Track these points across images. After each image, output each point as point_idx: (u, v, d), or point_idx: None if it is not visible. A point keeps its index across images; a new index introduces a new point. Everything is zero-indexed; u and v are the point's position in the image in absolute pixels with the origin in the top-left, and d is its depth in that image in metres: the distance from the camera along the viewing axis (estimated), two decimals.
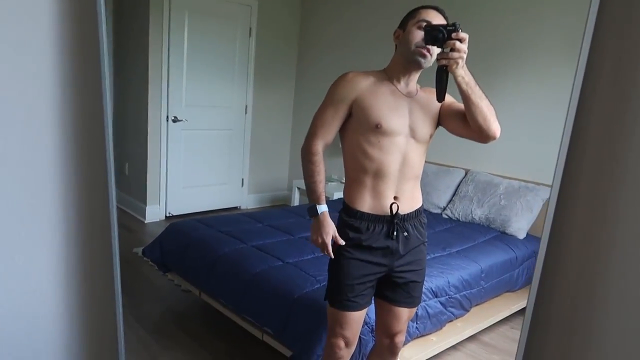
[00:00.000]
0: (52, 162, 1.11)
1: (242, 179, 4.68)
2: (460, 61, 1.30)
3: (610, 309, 1.08)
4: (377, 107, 1.46)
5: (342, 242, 1.52)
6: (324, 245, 1.52)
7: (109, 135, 1.10)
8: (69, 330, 1.20)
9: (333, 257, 1.54)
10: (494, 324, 2.55)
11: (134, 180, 4.16)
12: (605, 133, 1.06)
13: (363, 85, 1.49)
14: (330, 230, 1.52)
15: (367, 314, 1.69)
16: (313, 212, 1.55)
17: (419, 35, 1.41)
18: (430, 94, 1.48)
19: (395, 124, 1.47)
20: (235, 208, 4.65)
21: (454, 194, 3.29)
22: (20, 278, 1.13)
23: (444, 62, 1.31)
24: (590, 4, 1.05)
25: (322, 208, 1.54)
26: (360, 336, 1.71)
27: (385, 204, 1.51)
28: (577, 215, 1.12)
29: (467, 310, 2.37)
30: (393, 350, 1.71)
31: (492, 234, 2.91)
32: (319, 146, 1.53)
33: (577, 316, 1.14)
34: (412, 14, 1.47)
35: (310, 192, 1.56)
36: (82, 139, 1.13)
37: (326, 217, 1.53)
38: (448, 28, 1.30)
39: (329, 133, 1.53)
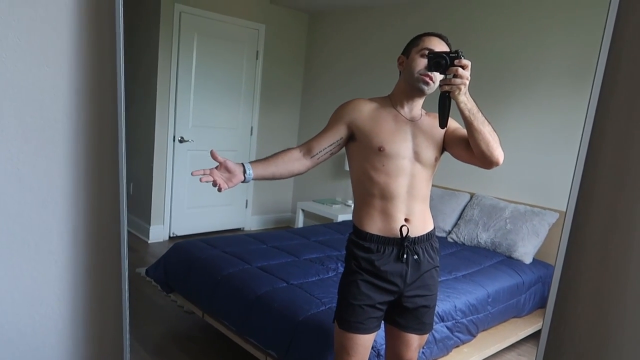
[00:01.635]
0: (64, 180, 1.11)
1: (246, 200, 4.67)
2: (462, 87, 1.31)
3: (625, 335, 1.06)
4: (380, 130, 1.48)
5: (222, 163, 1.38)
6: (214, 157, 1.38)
7: (122, 155, 1.11)
8: (74, 349, 1.18)
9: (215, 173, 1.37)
10: (501, 351, 2.50)
11: (138, 200, 4.16)
12: (618, 158, 1.06)
13: (365, 109, 1.51)
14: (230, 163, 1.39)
15: (376, 340, 1.66)
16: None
17: (421, 62, 1.43)
18: (435, 119, 1.49)
19: (398, 147, 1.48)
20: (239, 229, 4.63)
21: (459, 218, 3.28)
22: (28, 296, 1.12)
23: (446, 88, 1.32)
24: (605, 27, 1.06)
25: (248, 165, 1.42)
26: None
27: (395, 227, 1.50)
28: (590, 240, 1.11)
29: (474, 336, 2.34)
30: None
31: (498, 258, 2.88)
32: (297, 147, 1.51)
33: (591, 344, 1.11)
34: (415, 41, 1.49)
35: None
36: (95, 157, 1.13)
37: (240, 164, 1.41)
38: (451, 55, 1.32)
39: (314, 143, 1.51)
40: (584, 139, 1.19)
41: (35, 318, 1.12)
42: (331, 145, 1.53)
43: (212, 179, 1.37)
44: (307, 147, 1.52)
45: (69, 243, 1.14)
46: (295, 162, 1.51)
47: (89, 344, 1.21)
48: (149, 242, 3.99)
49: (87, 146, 1.12)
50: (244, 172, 1.41)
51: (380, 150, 1.46)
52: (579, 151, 1.17)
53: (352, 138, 1.53)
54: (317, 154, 1.52)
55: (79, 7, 1.06)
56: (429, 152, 1.51)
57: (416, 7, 3.76)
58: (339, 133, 1.52)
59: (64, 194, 1.12)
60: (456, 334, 2.21)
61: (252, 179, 1.43)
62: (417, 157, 1.50)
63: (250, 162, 1.43)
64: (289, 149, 1.51)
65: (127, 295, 1.15)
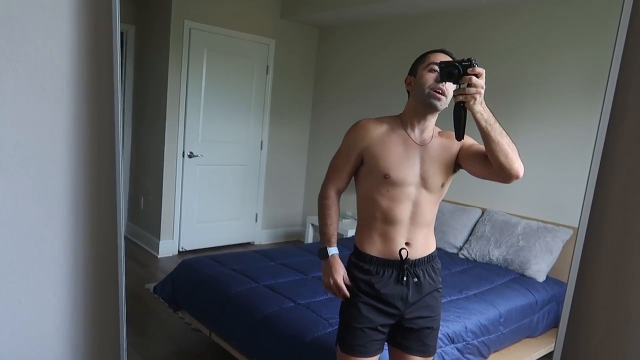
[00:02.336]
0: (63, 211, 1.10)
1: (256, 214, 4.66)
2: (477, 97, 1.25)
3: None
4: (387, 157, 1.45)
5: (347, 294, 1.51)
6: (336, 285, 1.50)
7: (119, 171, 1.10)
8: None
9: (348, 295, 1.51)
10: None
11: (148, 215, 4.17)
12: (631, 173, 1.03)
13: (374, 133, 1.48)
14: (341, 270, 1.52)
15: None
16: (324, 254, 1.55)
17: (430, 77, 1.39)
18: (448, 139, 1.46)
19: (404, 175, 1.45)
20: (249, 243, 4.62)
21: (470, 234, 3.23)
22: (27, 327, 1.12)
23: (461, 98, 1.26)
24: (617, 33, 1.03)
25: (333, 250, 1.54)
26: None
27: (395, 249, 1.47)
28: (604, 257, 1.07)
29: (486, 358, 2.28)
30: None
31: (511, 276, 2.82)
32: (331, 191, 1.56)
33: None
34: (421, 59, 1.46)
35: (322, 235, 1.58)
36: (92, 175, 1.12)
37: (336, 259, 1.53)
38: (464, 63, 1.27)
39: (340, 180, 1.56)
40: (596, 154, 1.15)
41: (35, 349, 1.12)
42: (352, 175, 1.56)
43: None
44: (335, 187, 1.57)
45: (68, 274, 1.13)
46: (338, 203, 1.59)
47: None
48: (159, 256, 4.00)
49: (85, 177, 1.12)
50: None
51: (386, 177, 1.45)
52: (591, 165, 1.13)
53: (361, 161, 1.52)
54: (343, 189, 1.59)
55: (77, 16, 1.05)
56: (436, 178, 1.48)
57: (425, 21, 3.75)
58: (356, 163, 1.53)
59: (63, 226, 1.11)
60: (467, 355, 2.16)
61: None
62: (423, 183, 1.47)
63: (326, 245, 1.56)
64: (328, 200, 1.57)
65: (124, 330, 1.13)
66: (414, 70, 1.48)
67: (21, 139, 1.05)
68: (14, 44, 1.00)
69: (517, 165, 1.33)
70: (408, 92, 1.52)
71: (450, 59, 1.41)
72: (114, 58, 1.03)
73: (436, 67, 1.38)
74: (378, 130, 1.48)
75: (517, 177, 1.35)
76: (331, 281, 1.50)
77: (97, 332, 1.18)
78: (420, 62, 1.46)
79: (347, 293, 1.50)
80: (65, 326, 1.13)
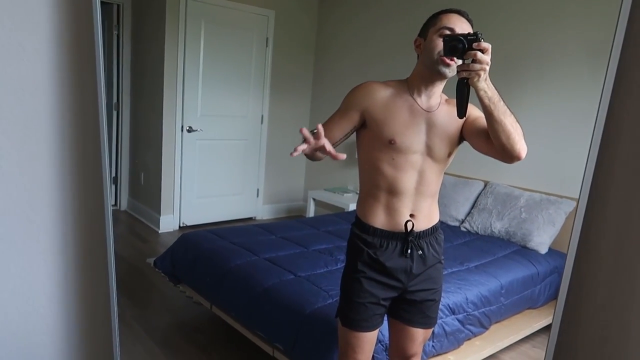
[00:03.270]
0: (49, 176, 1.08)
1: (258, 189, 4.64)
2: (482, 73, 1.18)
3: None
4: (392, 122, 1.39)
5: (339, 156, 1.26)
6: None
7: (104, 143, 1.07)
8: (67, 347, 1.16)
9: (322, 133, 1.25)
10: (514, 343, 2.45)
11: (149, 190, 4.16)
12: (634, 144, 0.99)
13: (378, 96, 1.41)
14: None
15: (380, 332, 1.62)
16: None
17: (441, 43, 1.30)
18: (454, 108, 1.40)
19: (410, 141, 1.39)
20: (250, 219, 4.62)
21: (472, 207, 3.20)
22: (18, 296, 1.10)
23: (464, 74, 1.20)
24: (620, 10, 0.98)
25: None
26: (374, 355, 1.63)
27: (400, 221, 1.44)
28: (605, 229, 1.04)
29: (487, 328, 2.28)
30: None
31: (513, 248, 2.81)
32: None
33: (606, 336, 1.05)
34: (433, 20, 1.37)
35: None
36: (78, 147, 1.10)
37: None
38: (469, 37, 1.19)
39: (331, 131, 1.41)
40: (598, 123, 1.11)
41: (27, 318, 1.10)
42: (345, 135, 1.45)
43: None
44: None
45: (57, 240, 1.11)
46: None
47: (81, 342, 1.18)
48: (160, 232, 4.00)
49: (71, 141, 1.08)
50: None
51: (391, 143, 1.38)
52: (592, 135, 1.10)
53: (364, 125, 1.44)
54: (332, 145, 1.40)
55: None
56: (442, 147, 1.42)
57: None
58: (352, 122, 1.43)
59: (50, 190, 1.09)
60: (468, 326, 2.15)
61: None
62: (429, 151, 1.41)
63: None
64: None
65: (114, 292, 1.12)
66: (424, 32, 1.39)
67: (1, 101, 1.02)
68: None
69: (520, 146, 1.28)
70: (418, 55, 1.44)
71: (465, 22, 1.34)
72: (94, 16, 0.99)
73: (448, 32, 1.31)
74: (383, 93, 1.42)
75: (518, 159, 1.30)
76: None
77: (88, 300, 1.16)
78: (431, 24, 1.37)
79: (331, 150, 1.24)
80: (55, 293, 1.12)
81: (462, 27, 1.32)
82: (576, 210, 1.18)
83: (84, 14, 1.06)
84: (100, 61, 1.05)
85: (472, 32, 1.28)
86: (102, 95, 1.03)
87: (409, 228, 1.42)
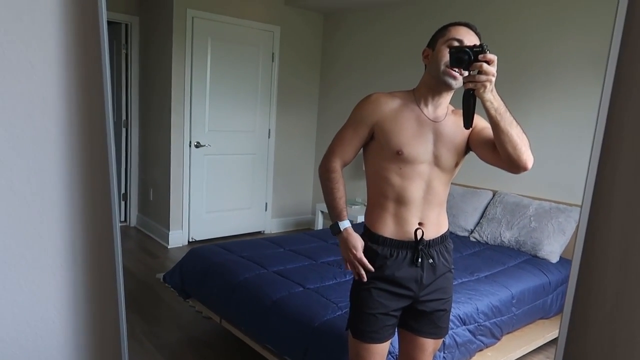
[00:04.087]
0: (59, 187, 1.10)
1: (266, 203, 4.65)
2: (488, 85, 1.20)
3: None
4: (399, 132, 1.40)
5: (371, 268, 1.44)
6: (357, 259, 1.44)
7: (111, 159, 1.09)
8: (76, 358, 1.17)
9: (372, 269, 1.44)
10: (527, 354, 2.42)
11: (158, 205, 4.18)
12: (636, 150, 0.99)
13: (386, 108, 1.43)
14: (359, 243, 1.45)
15: (391, 344, 1.61)
16: (336, 229, 1.48)
17: (448, 54, 1.31)
18: (461, 118, 1.41)
19: (417, 152, 1.40)
20: (259, 232, 4.62)
21: (481, 216, 3.19)
22: (28, 311, 1.11)
23: (471, 85, 1.21)
24: (616, 15, 0.99)
25: (345, 224, 1.47)
26: None
27: (409, 230, 1.43)
28: (610, 237, 1.04)
29: (498, 339, 2.25)
30: None
31: (523, 257, 2.78)
32: (336, 164, 1.48)
33: (616, 344, 1.04)
34: (442, 31, 1.39)
35: (331, 210, 1.50)
36: (86, 164, 1.11)
37: (351, 233, 1.47)
38: (475, 49, 1.21)
39: (346, 152, 1.48)
40: (599, 129, 1.11)
41: (37, 333, 1.11)
42: (359, 150, 1.50)
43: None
44: (341, 159, 1.49)
45: (66, 255, 1.12)
46: (344, 179, 1.53)
47: (91, 357, 1.19)
48: (169, 247, 4.01)
49: (80, 157, 1.10)
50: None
51: (399, 153, 1.39)
52: (593, 141, 1.09)
53: (372, 137, 1.46)
54: (349, 162, 1.52)
55: (64, 12, 1.04)
56: (449, 157, 1.43)
57: (434, 6, 3.69)
58: (363, 138, 1.46)
59: (59, 206, 1.10)
60: (479, 337, 2.13)
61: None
62: (436, 161, 1.42)
63: (338, 219, 1.49)
64: (334, 173, 1.49)
65: (124, 307, 1.12)
66: (433, 43, 1.41)
67: (11, 118, 1.04)
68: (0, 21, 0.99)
69: (526, 157, 1.29)
70: (425, 65, 1.46)
71: (473, 34, 1.36)
72: (100, 25, 1.01)
73: (456, 43, 1.33)
74: (390, 105, 1.43)
75: (525, 169, 1.31)
76: (350, 255, 1.44)
77: (98, 315, 1.17)
78: (440, 35, 1.39)
79: (370, 266, 1.44)
80: (65, 307, 1.13)
81: (470, 39, 1.34)
82: (579, 217, 1.18)
83: (91, 33, 1.08)
84: (108, 79, 1.07)
85: (478, 43, 1.29)
86: (110, 112, 1.05)
87: (419, 236, 1.42)
